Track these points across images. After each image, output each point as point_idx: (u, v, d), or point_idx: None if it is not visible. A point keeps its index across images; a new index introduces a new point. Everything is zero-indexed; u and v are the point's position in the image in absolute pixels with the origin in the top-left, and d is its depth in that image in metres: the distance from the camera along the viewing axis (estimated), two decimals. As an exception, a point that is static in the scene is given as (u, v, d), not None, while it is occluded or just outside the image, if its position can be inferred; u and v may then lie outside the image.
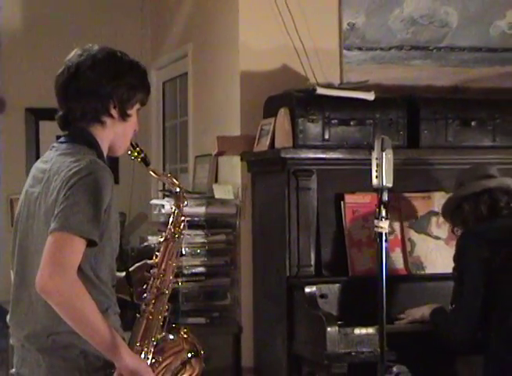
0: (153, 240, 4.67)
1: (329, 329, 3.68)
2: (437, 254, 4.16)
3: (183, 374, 2.71)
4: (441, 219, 4.17)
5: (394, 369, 3.04)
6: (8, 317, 2.71)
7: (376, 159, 3.06)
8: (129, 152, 2.78)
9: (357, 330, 3.73)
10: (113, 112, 2.70)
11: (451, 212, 3.83)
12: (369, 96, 4.19)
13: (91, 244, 2.50)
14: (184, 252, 4.39)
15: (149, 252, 4.35)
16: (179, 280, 4.26)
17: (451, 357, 3.91)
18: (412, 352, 3.68)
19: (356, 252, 4.06)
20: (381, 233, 3.04)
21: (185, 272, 4.40)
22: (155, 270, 2.74)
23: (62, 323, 2.48)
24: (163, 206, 4.58)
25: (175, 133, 5.87)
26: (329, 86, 4.30)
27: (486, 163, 3.97)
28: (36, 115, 5.90)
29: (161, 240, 2.80)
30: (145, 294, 2.70)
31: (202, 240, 4.47)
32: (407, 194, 4.17)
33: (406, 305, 3.92)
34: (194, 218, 4.45)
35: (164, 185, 5.60)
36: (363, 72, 4.55)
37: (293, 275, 4.04)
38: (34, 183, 2.67)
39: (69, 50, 2.78)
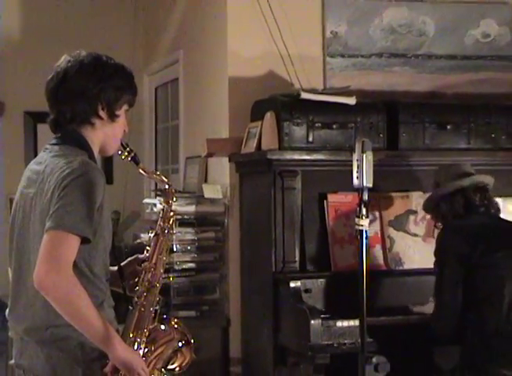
0: (145, 237, 4.65)
1: (312, 322, 3.68)
2: (414, 250, 4.17)
3: (175, 361, 2.72)
4: (419, 217, 4.19)
5: (374, 359, 3.05)
6: (7, 312, 2.70)
7: (357, 160, 3.06)
8: (119, 152, 2.77)
9: (339, 323, 3.73)
10: (102, 113, 2.69)
11: (431, 211, 3.85)
12: (351, 101, 4.20)
13: (84, 241, 2.50)
14: (175, 249, 4.38)
15: (141, 249, 4.35)
16: (170, 275, 4.28)
17: (428, 348, 3.92)
18: (392, 344, 3.69)
19: (338, 249, 4.06)
20: (362, 231, 3.04)
21: (176, 267, 4.40)
22: (146, 264, 2.73)
23: (59, 317, 2.48)
24: (155, 205, 4.58)
25: (167, 136, 5.87)
26: (313, 91, 4.29)
27: (461, 162, 3.97)
28: (34, 118, 5.89)
29: (152, 235, 2.80)
30: (137, 287, 2.70)
31: (192, 238, 4.47)
32: (386, 194, 4.17)
33: (386, 298, 3.93)
34: (185, 216, 4.46)
35: (156, 185, 5.60)
36: (345, 78, 4.55)
37: (279, 270, 4.04)
38: (29, 184, 2.66)
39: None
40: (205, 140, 4.53)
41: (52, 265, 2.43)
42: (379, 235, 4.14)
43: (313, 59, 4.55)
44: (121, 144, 2.77)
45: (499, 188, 3.86)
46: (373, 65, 4.64)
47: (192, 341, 2.75)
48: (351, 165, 3.08)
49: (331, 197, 4.11)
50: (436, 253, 3.65)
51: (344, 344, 3.72)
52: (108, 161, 5.75)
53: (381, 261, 4.12)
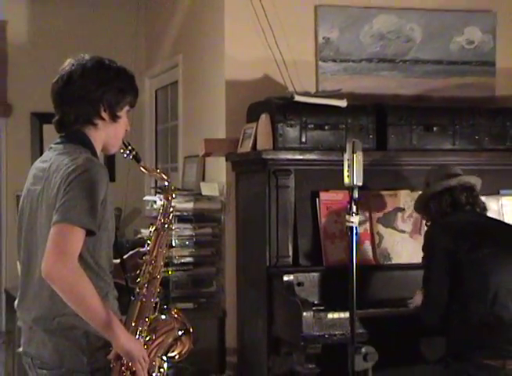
0: (145, 232, 4.65)
1: (304, 314, 3.68)
2: (402, 246, 4.16)
3: (175, 349, 2.72)
4: (407, 215, 4.19)
5: (363, 349, 3.03)
6: (16, 303, 2.71)
7: (348, 160, 3.06)
8: (121, 150, 2.76)
9: (330, 315, 3.74)
10: (104, 115, 2.69)
11: (421, 210, 3.85)
12: (342, 104, 4.19)
13: (89, 233, 2.50)
14: (174, 244, 4.38)
15: (142, 243, 4.35)
16: (169, 269, 4.28)
17: (415, 339, 3.92)
18: (380, 335, 3.68)
19: (330, 244, 4.06)
20: (352, 227, 3.04)
21: (175, 261, 4.40)
22: (147, 257, 2.73)
23: (65, 307, 2.48)
24: (155, 202, 4.58)
25: (167, 136, 5.86)
26: (306, 94, 4.28)
27: (449, 163, 3.97)
28: (40, 119, 5.88)
29: (152, 229, 2.79)
30: (138, 279, 2.69)
31: (190, 233, 4.46)
32: (375, 192, 4.17)
33: (375, 292, 3.93)
34: (183, 213, 4.45)
35: (156, 182, 5.60)
36: (337, 82, 4.54)
37: (273, 265, 4.04)
38: (35, 181, 2.66)
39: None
40: (203, 140, 4.53)
41: (58, 256, 2.43)
42: (368, 231, 4.14)
43: (306, 64, 4.54)
44: (123, 143, 2.76)
45: (482, 187, 3.85)
46: (363, 69, 4.64)
47: (192, 330, 2.75)
48: (342, 165, 3.07)
49: (323, 195, 4.11)
50: (424, 248, 3.65)
51: (335, 335, 3.72)
52: (110, 160, 5.74)
53: (370, 256, 4.12)
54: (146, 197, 5.04)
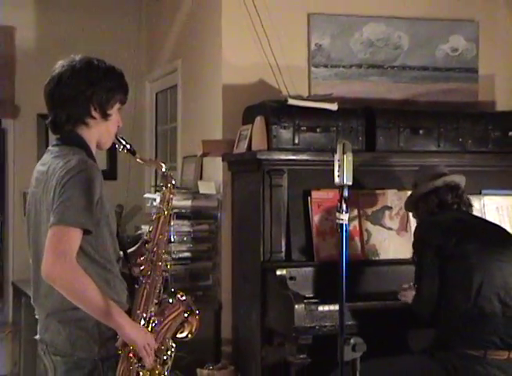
0: (146, 228, 4.64)
1: (296, 306, 3.67)
2: (389, 242, 4.16)
3: (183, 330, 2.71)
4: (394, 213, 4.20)
5: (352, 340, 3.01)
6: (32, 299, 2.71)
7: (339, 161, 3.03)
8: (116, 145, 2.74)
9: (320, 308, 3.73)
10: (95, 114, 2.66)
11: (412, 209, 3.85)
12: (333, 107, 4.19)
13: (86, 232, 2.49)
14: (173, 239, 4.37)
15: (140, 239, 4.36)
16: (168, 263, 4.26)
17: (402, 331, 3.92)
18: (368, 326, 3.69)
19: (321, 240, 4.05)
20: (342, 224, 3.03)
21: (174, 256, 4.39)
22: (149, 245, 2.71)
23: None
24: (154, 199, 4.57)
25: (166, 137, 5.85)
26: (299, 98, 4.28)
27: (436, 164, 3.97)
28: (46, 120, 5.85)
29: (153, 217, 2.76)
30: (142, 267, 2.69)
31: (188, 229, 4.45)
32: (364, 191, 4.17)
33: (363, 285, 3.93)
34: (182, 210, 4.45)
35: (156, 180, 5.60)
36: (328, 86, 4.54)
37: (267, 260, 4.03)
38: (37, 184, 2.65)
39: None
40: (201, 141, 4.54)
41: (56, 257, 2.42)
42: (357, 228, 4.13)
43: (299, 69, 4.54)
44: (117, 138, 2.74)
45: (465, 187, 3.85)
46: (353, 75, 4.64)
47: (197, 311, 2.73)
48: (333, 165, 3.05)
49: (314, 194, 4.10)
50: (414, 246, 3.65)
51: (325, 326, 3.72)
52: (112, 159, 5.74)
53: (359, 252, 4.11)
54: (146, 195, 5.02)
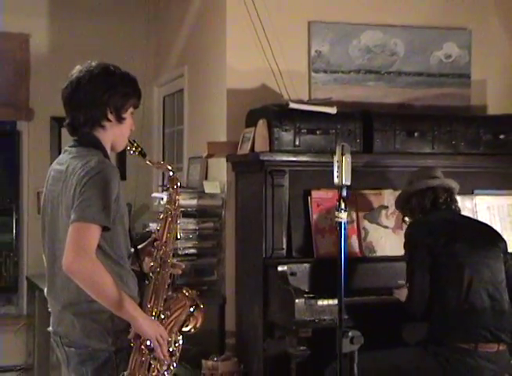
0: (153, 226, 4.64)
1: (297, 301, 3.67)
2: (386, 240, 4.15)
3: (189, 324, 2.71)
4: (390, 212, 4.18)
5: (350, 333, 3.02)
6: (45, 292, 2.71)
7: (338, 162, 3.04)
8: (128, 148, 2.74)
9: (320, 302, 3.72)
10: (110, 117, 2.68)
11: (401, 205, 3.83)
12: (332, 111, 4.18)
13: (104, 229, 2.50)
14: (179, 236, 4.34)
15: (150, 236, 4.34)
16: (175, 259, 4.26)
17: (397, 324, 3.91)
18: (365, 320, 3.67)
19: (320, 238, 4.04)
20: (341, 223, 3.02)
21: (180, 253, 4.38)
22: (158, 243, 2.72)
23: (89, 295, 2.50)
24: (162, 198, 4.56)
25: (173, 138, 5.84)
26: (300, 102, 4.27)
27: (432, 166, 3.95)
28: (59, 123, 5.84)
29: (161, 216, 2.77)
30: (151, 264, 2.69)
31: (194, 227, 4.44)
32: (362, 191, 4.15)
33: (361, 281, 3.92)
34: (188, 208, 4.43)
35: (163, 180, 5.59)
36: (327, 91, 4.53)
37: (268, 256, 4.02)
38: (54, 182, 2.66)
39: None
40: (206, 143, 4.53)
41: (77, 252, 2.43)
42: (355, 227, 4.12)
43: (300, 75, 4.53)
44: (129, 141, 2.74)
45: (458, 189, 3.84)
46: (351, 80, 4.62)
47: (202, 305, 2.74)
48: (332, 166, 3.06)
49: (314, 194, 4.09)
50: (406, 246, 3.64)
51: (324, 320, 3.71)
52: (122, 160, 5.73)
53: (357, 249, 4.10)
54: (154, 194, 5.02)
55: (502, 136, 4.46)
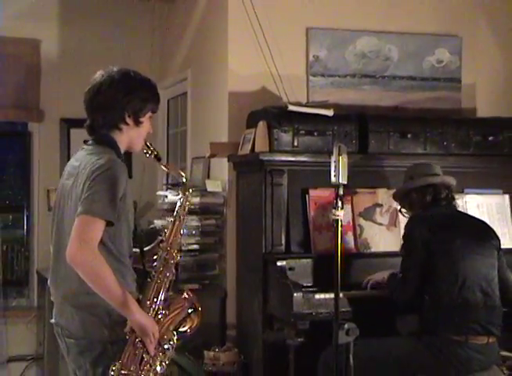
0: (158, 223, 4.63)
1: (295, 294, 3.65)
2: (380, 237, 4.13)
3: (185, 325, 2.70)
4: (384, 210, 4.17)
5: (346, 326, 3.00)
6: (48, 281, 2.71)
7: (334, 162, 3.02)
8: (144, 150, 2.75)
9: (317, 296, 3.70)
10: (128, 120, 2.69)
11: (401, 197, 3.81)
12: (329, 113, 4.16)
13: (108, 223, 2.49)
14: (182, 232, 4.34)
15: (154, 232, 4.33)
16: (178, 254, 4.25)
17: (390, 316, 3.89)
18: (360, 313, 3.66)
19: (317, 234, 4.02)
20: (337, 220, 3.01)
21: (183, 248, 4.36)
22: (163, 244, 2.71)
23: (89, 287, 2.49)
24: (166, 196, 4.56)
25: (177, 139, 5.83)
26: (298, 104, 4.26)
27: (430, 163, 3.91)
28: (68, 124, 5.84)
29: (171, 219, 2.77)
30: (155, 263, 2.68)
31: (196, 224, 4.43)
32: (358, 190, 4.13)
33: (356, 276, 3.89)
34: (191, 206, 4.41)
35: (167, 179, 5.57)
36: (325, 94, 4.51)
37: (268, 252, 4.00)
38: (68, 177, 2.67)
39: (95, 73, 2.78)
40: (208, 143, 4.52)
41: (81, 244, 2.42)
42: (351, 224, 4.10)
43: (298, 78, 4.51)
44: (146, 144, 2.75)
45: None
46: (347, 84, 4.61)
47: (200, 308, 2.73)
48: (329, 166, 3.04)
49: (312, 192, 4.07)
50: (404, 238, 3.61)
51: (321, 313, 3.68)
52: (128, 159, 5.69)
53: (352, 245, 4.08)
54: (159, 192, 5.01)
55: (491, 138, 4.45)
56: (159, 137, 5.96)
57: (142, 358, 2.54)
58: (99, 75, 2.72)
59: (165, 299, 2.65)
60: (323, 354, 3.52)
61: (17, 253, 6.01)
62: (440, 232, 3.50)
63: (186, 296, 2.72)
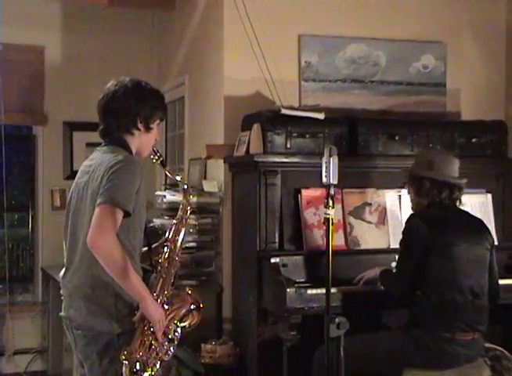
0: (157, 221, 4.62)
1: (288, 290, 3.63)
2: (369, 234, 4.11)
3: (186, 320, 2.73)
4: (373, 209, 4.15)
5: (337, 320, 2.99)
6: (61, 274, 2.73)
7: (326, 163, 3.01)
8: (151, 156, 2.81)
9: (309, 291, 3.68)
10: (140, 126, 2.76)
11: (412, 177, 3.60)
12: (321, 116, 4.15)
13: (126, 214, 2.53)
14: (184, 234, 4.32)
15: (154, 231, 4.32)
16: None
17: (380, 311, 3.88)
18: (351, 307, 3.65)
19: (309, 232, 4.00)
20: (328, 218, 3.00)
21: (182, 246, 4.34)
22: (168, 243, 2.75)
23: (99, 278, 2.53)
24: (165, 196, 4.55)
25: (175, 142, 5.81)
26: (291, 108, 4.24)
27: (454, 157, 3.64)
28: (71, 127, 5.84)
29: (174, 221, 2.82)
30: (160, 260, 2.72)
31: (194, 223, 4.40)
32: (348, 190, 4.11)
33: (346, 272, 3.87)
34: (191, 209, 4.40)
35: (165, 180, 5.55)
36: (316, 98, 4.49)
37: (262, 249, 3.99)
38: (82, 175, 2.71)
39: (96, 79, 2.86)
40: (205, 145, 4.50)
41: (101, 230, 2.46)
42: (341, 222, 4.08)
43: (291, 83, 4.49)
44: (153, 150, 2.82)
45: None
46: (338, 88, 4.59)
47: (202, 306, 2.76)
48: (321, 166, 3.03)
49: (304, 192, 4.05)
50: (404, 233, 3.52)
51: (313, 307, 3.67)
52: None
53: (343, 242, 4.06)
54: (158, 193, 4.99)
55: (474, 140, 4.44)
56: (158, 140, 5.95)
57: (151, 345, 2.58)
58: (112, 84, 2.79)
59: (169, 294, 2.68)
60: (317, 350, 3.49)
61: (22, 251, 6.00)
62: (439, 231, 3.42)
63: (189, 293, 2.76)
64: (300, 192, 4.05)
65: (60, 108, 5.79)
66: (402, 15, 4.76)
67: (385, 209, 4.15)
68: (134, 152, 2.77)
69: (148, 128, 2.77)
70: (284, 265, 3.85)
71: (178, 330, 2.68)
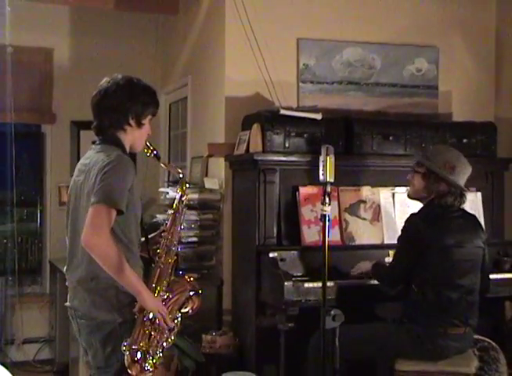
0: (160, 217, 4.61)
1: (286, 283, 3.62)
2: (364, 230, 4.10)
3: (187, 306, 2.73)
4: (368, 206, 4.15)
5: (332, 312, 2.99)
6: (65, 268, 2.73)
7: (322, 161, 3.01)
8: (145, 150, 2.77)
9: (306, 284, 3.67)
10: (132, 122, 2.72)
11: (429, 164, 3.47)
12: (318, 117, 4.14)
13: (119, 213, 2.52)
14: (182, 227, 4.30)
15: (157, 226, 4.30)
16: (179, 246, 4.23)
17: (372, 304, 3.87)
18: (345, 300, 3.63)
19: (307, 228, 3.99)
20: (325, 215, 2.99)
21: (183, 241, 4.33)
22: (165, 234, 2.74)
23: (100, 272, 2.51)
24: (167, 193, 4.54)
25: (178, 140, 5.80)
26: (289, 109, 4.23)
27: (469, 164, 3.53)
28: (78, 126, 5.82)
29: (170, 212, 2.81)
30: (158, 250, 2.71)
31: (195, 218, 4.39)
32: (344, 187, 4.10)
33: (342, 266, 3.86)
34: (190, 202, 4.38)
35: (168, 177, 5.54)
36: (314, 99, 4.48)
37: (261, 244, 3.98)
38: (79, 174, 2.70)
39: (103, 78, 2.80)
40: (207, 144, 4.49)
41: (95, 229, 2.45)
42: (337, 218, 4.07)
43: (289, 85, 4.48)
44: (146, 144, 2.77)
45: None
46: (334, 90, 4.57)
47: (200, 291, 2.76)
48: (318, 165, 3.03)
49: (302, 189, 4.04)
50: (402, 230, 3.49)
51: (310, 300, 3.65)
52: (132, 159, 5.66)
53: (338, 238, 4.05)
54: (161, 189, 4.98)
55: (465, 140, 4.43)
56: (161, 138, 5.94)
57: (151, 335, 2.57)
58: (105, 81, 2.75)
59: (168, 283, 2.67)
60: (313, 338, 3.48)
61: (31, 244, 6.00)
62: (439, 232, 3.37)
63: (188, 280, 2.75)
64: (297, 189, 4.04)
65: (68, 107, 5.78)
66: (397, 20, 4.75)
67: (379, 206, 4.14)
68: (127, 148, 2.74)
69: (140, 124, 2.73)
70: (282, 260, 3.84)
71: (179, 318, 2.68)
